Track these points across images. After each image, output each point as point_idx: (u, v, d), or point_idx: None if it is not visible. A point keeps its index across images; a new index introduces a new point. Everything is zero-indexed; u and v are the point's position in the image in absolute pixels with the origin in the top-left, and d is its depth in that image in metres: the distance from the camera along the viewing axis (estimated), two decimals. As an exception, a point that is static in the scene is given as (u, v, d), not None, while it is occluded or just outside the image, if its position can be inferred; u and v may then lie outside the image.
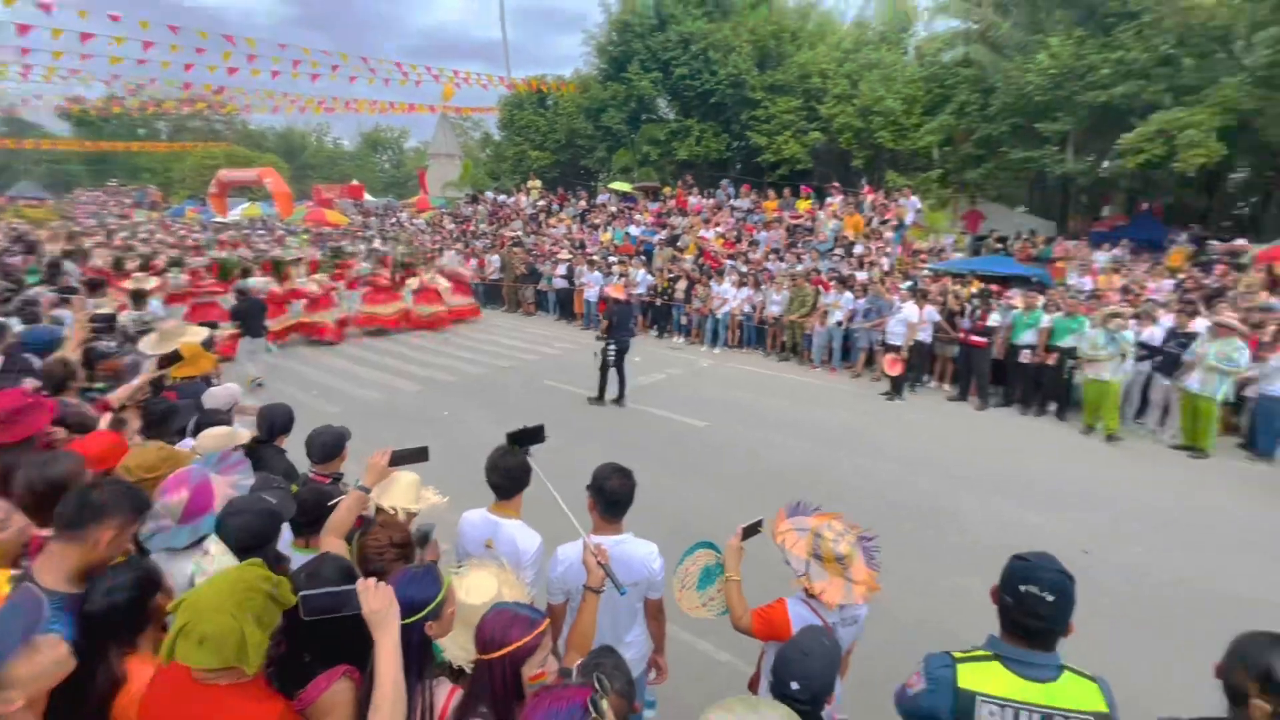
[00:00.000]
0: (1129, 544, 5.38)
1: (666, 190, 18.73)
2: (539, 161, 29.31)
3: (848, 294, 10.71)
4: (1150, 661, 3.79)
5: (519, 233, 19.08)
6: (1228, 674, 1.62)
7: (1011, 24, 19.02)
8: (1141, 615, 4.38)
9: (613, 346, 8.48)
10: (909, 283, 11.07)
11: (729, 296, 12.22)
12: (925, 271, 12.09)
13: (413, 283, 13.67)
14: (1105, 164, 16.97)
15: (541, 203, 22.37)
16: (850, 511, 5.58)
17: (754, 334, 12.37)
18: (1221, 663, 1.64)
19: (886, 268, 12.39)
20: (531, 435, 2.50)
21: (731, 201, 17.36)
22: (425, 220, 26.13)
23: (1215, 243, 15.00)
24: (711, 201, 17.33)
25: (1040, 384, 8.93)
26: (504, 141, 33.71)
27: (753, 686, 2.46)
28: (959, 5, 21.33)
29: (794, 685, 1.72)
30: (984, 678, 1.69)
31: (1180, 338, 7.94)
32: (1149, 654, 3.91)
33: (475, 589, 1.90)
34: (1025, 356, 8.75)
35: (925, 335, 9.59)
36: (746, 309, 12.22)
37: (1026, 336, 8.76)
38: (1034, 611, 1.67)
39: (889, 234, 13.56)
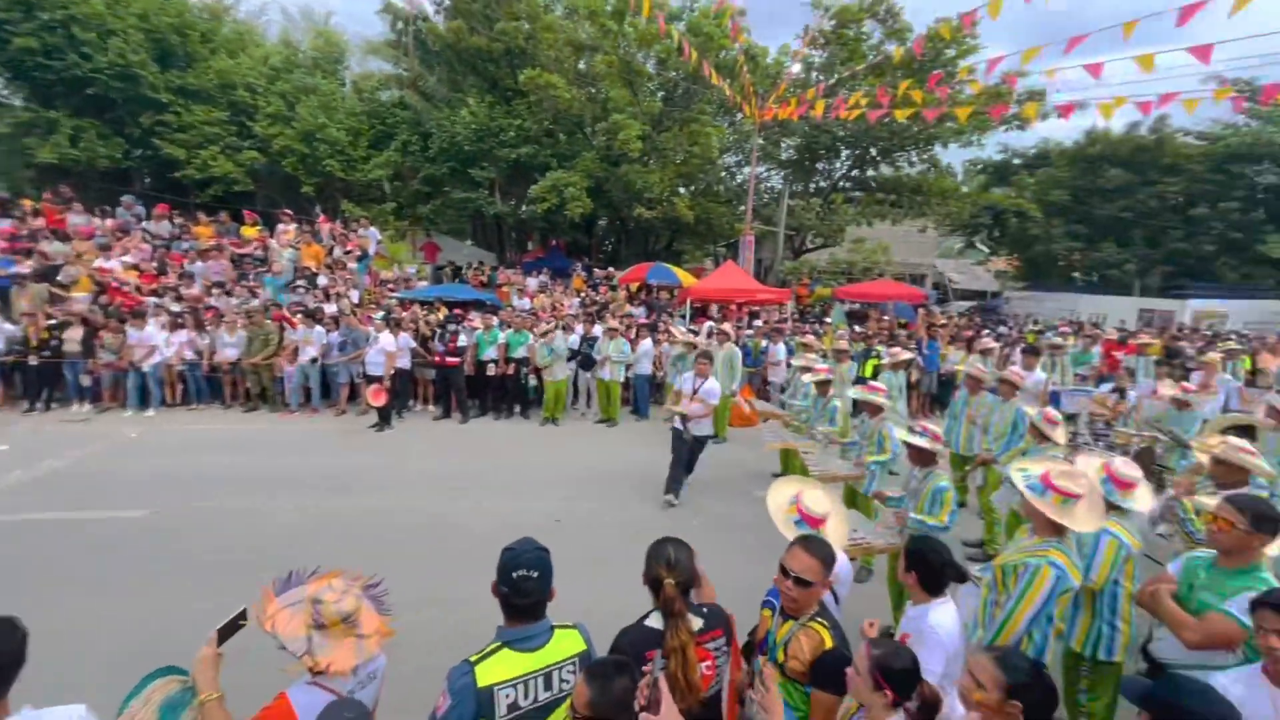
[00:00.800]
0: (588, 500, 6.88)
1: (28, 204, 13.25)
2: None
3: (318, 328, 10.01)
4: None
5: None
6: (647, 573, 2.19)
7: (436, 79, 21.50)
8: (601, 549, 5.67)
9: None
10: (382, 313, 11.17)
11: (158, 343, 9.65)
12: (394, 300, 12.43)
13: None
14: (524, 208, 21.21)
15: None
16: (359, 552, 5.34)
17: (205, 385, 10.18)
18: (645, 570, 2.21)
19: (356, 299, 12.16)
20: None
21: (144, 224, 13.69)
22: None
23: (597, 270, 20.72)
24: (113, 223, 13.22)
25: (506, 390, 10.47)
26: None
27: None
28: (388, 51, 22.71)
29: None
30: (498, 668, 1.85)
31: (589, 341, 10.64)
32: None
33: None
34: (492, 370, 10.08)
35: (404, 362, 9.87)
36: (189, 355, 9.93)
37: (490, 352, 10.10)
38: (525, 590, 1.92)
39: (353, 265, 13.32)
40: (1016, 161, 27.92)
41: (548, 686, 1.93)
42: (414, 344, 10.05)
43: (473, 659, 1.87)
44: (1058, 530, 2.84)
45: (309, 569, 2.16)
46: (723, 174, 24.63)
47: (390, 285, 14.47)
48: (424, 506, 6.61)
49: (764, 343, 11.53)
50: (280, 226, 13.43)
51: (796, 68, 18.87)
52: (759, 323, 14.23)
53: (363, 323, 10.23)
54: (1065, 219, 25.42)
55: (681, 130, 20.12)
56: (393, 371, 9.42)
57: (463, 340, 10.03)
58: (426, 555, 5.50)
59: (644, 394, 10.80)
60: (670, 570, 2.11)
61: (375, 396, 9.14)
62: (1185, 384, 7.88)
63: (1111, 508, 3.10)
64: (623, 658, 1.87)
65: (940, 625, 2.41)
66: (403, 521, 6.18)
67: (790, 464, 7.83)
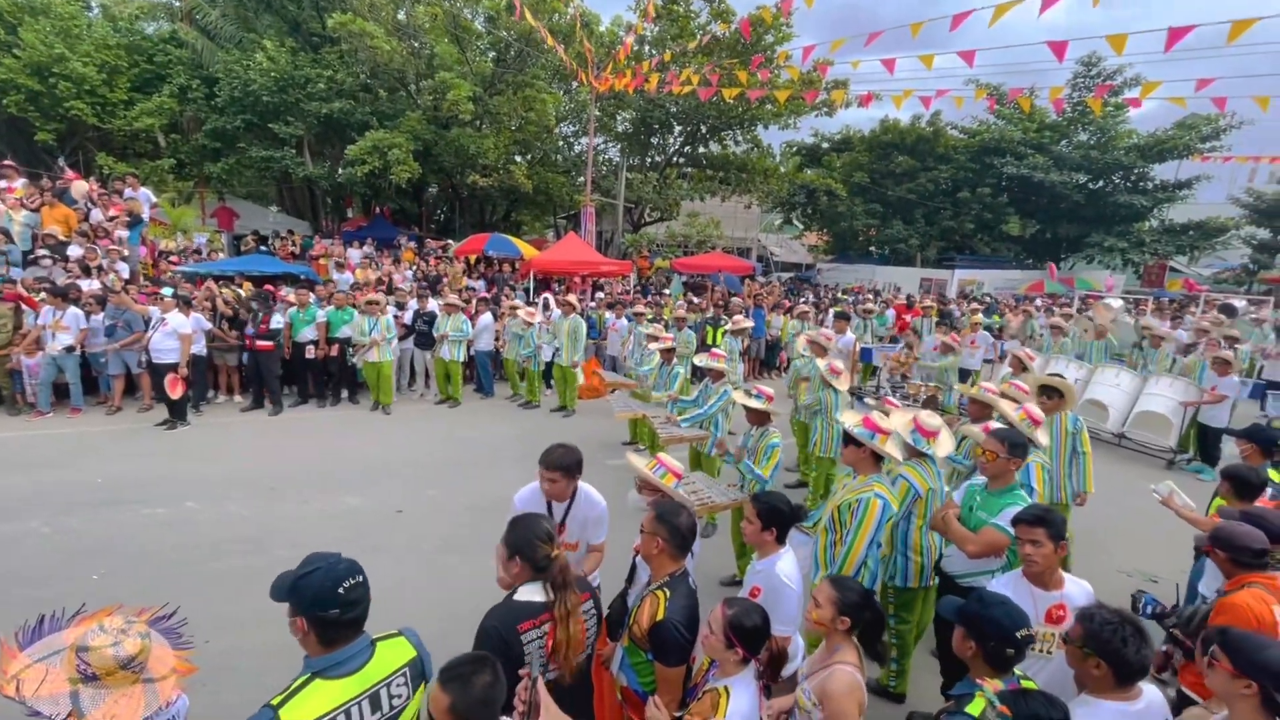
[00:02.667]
0: (431, 486, 6.47)
1: None
2: None
3: (73, 310, 8.14)
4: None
5: None
6: (526, 552, 2.11)
7: (220, 14, 18.28)
8: (452, 539, 5.39)
9: None
10: (169, 289, 9.42)
11: None
12: (179, 274, 10.54)
13: None
14: (341, 170, 18.98)
15: None
16: (152, 575, 4.51)
17: (-97, 386, 7.88)
18: (519, 551, 2.14)
19: (128, 274, 10.12)
20: None
21: None
22: None
23: (430, 241, 19.39)
24: None
25: (330, 374, 9.43)
26: None
27: None
28: (151, -27, 18.87)
29: None
30: (309, 704, 1.59)
31: (424, 316, 9.92)
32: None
33: None
34: (310, 352, 9.01)
35: (200, 347, 8.45)
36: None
37: (307, 333, 9.00)
38: (355, 599, 1.68)
39: (121, 232, 11.01)
40: (825, 145, 30.84)
41: (375, 708, 1.70)
42: (209, 325, 8.64)
43: (274, 702, 1.58)
44: (878, 466, 3.25)
45: (69, 610, 1.73)
46: (560, 143, 24.15)
47: (174, 258, 12.27)
48: (236, 512, 5.76)
49: (608, 314, 11.65)
50: (2, 183, 10.55)
51: (630, 39, 18.90)
52: (601, 295, 14.33)
53: (139, 302, 8.54)
54: (865, 199, 28.72)
55: (516, 94, 19.29)
56: (188, 358, 7.99)
57: (277, 321, 8.79)
58: (243, 569, 4.82)
59: (486, 371, 10.38)
60: (550, 542, 2.13)
61: (172, 387, 7.71)
62: (954, 335, 9.40)
63: (918, 454, 3.58)
64: (481, 653, 1.76)
65: (789, 574, 2.61)
66: (209, 534, 5.33)
67: (639, 431, 8.06)
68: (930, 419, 3.64)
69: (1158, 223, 26.81)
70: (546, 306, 11.61)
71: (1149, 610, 3.09)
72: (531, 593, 2.12)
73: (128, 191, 11.98)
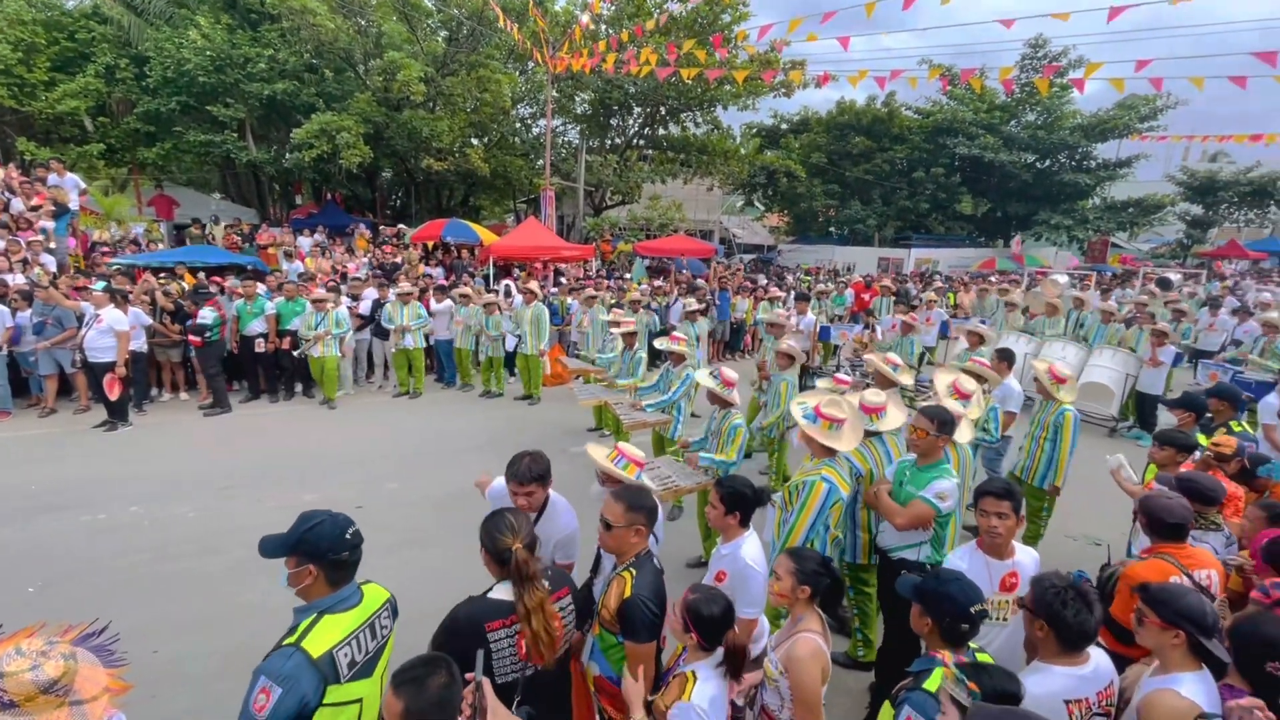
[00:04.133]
0: (392, 480, 6.32)
1: None
2: None
3: (1, 307, 7.66)
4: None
5: None
6: (491, 547, 2.09)
7: (147, -13, 17.16)
8: (423, 530, 5.28)
9: None
10: (102, 283, 8.91)
11: None
12: (114, 267, 9.98)
13: None
14: (288, 155, 18.17)
15: None
16: (105, 588, 4.31)
17: None
18: (485, 546, 2.13)
19: (55, 268, 9.55)
20: None
21: None
22: None
23: (385, 228, 18.81)
24: None
25: (282, 369, 9.09)
26: None
27: None
28: (68, -58, 17.60)
29: None
30: (326, 635, 1.82)
31: (383, 306, 9.62)
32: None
33: None
34: (260, 346, 8.66)
35: (140, 343, 8.04)
36: None
37: (255, 326, 8.65)
38: (358, 542, 1.97)
39: (47, 223, 10.35)
40: (784, 127, 30.97)
41: (373, 636, 1.96)
42: (149, 320, 8.22)
43: (291, 640, 1.78)
44: (830, 451, 3.27)
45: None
46: (518, 125, 23.61)
47: (107, 249, 11.61)
48: (184, 514, 5.54)
49: (570, 300, 11.53)
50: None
51: (586, 18, 18.50)
52: (563, 280, 14.16)
53: (70, 297, 8.05)
54: (824, 179, 29.00)
55: (469, 75, 18.72)
56: (127, 356, 7.56)
57: (206, 315, 8.21)
58: (193, 572, 4.64)
59: (450, 359, 10.17)
60: (516, 536, 2.08)
61: (110, 388, 7.31)
62: (913, 314, 9.61)
63: (870, 434, 3.65)
64: (435, 654, 1.72)
65: (754, 558, 2.63)
66: (155, 538, 5.12)
67: (604, 418, 8.02)
68: (874, 396, 3.71)
69: (1100, 200, 27.85)
70: (509, 293, 11.42)
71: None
72: (504, 591, 2.08)
73: (52, 178, 11.24)
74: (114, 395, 7.39)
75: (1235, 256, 26.42)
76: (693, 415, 6.12)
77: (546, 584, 2.12)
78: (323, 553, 1.89)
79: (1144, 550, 2.87)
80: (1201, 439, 4.21)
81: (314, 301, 8.59)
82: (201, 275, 10.45)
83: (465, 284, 11.34)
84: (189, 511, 5.58)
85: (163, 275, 9.76)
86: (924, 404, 3.78)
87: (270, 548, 1.91)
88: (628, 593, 2.20)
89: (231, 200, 21.73)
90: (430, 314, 9.58)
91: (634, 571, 2.28)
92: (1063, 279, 16.13)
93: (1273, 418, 5.33)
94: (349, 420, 8.47)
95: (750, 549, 2.65)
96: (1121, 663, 2.32)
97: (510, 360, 10.06)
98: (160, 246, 13.57)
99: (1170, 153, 31.69)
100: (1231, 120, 19.91)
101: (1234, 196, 28.50)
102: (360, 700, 1.87)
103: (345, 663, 1.83)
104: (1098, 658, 2.04)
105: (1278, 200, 28.46)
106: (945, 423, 3.28)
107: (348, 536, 1.93)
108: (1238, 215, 30.58)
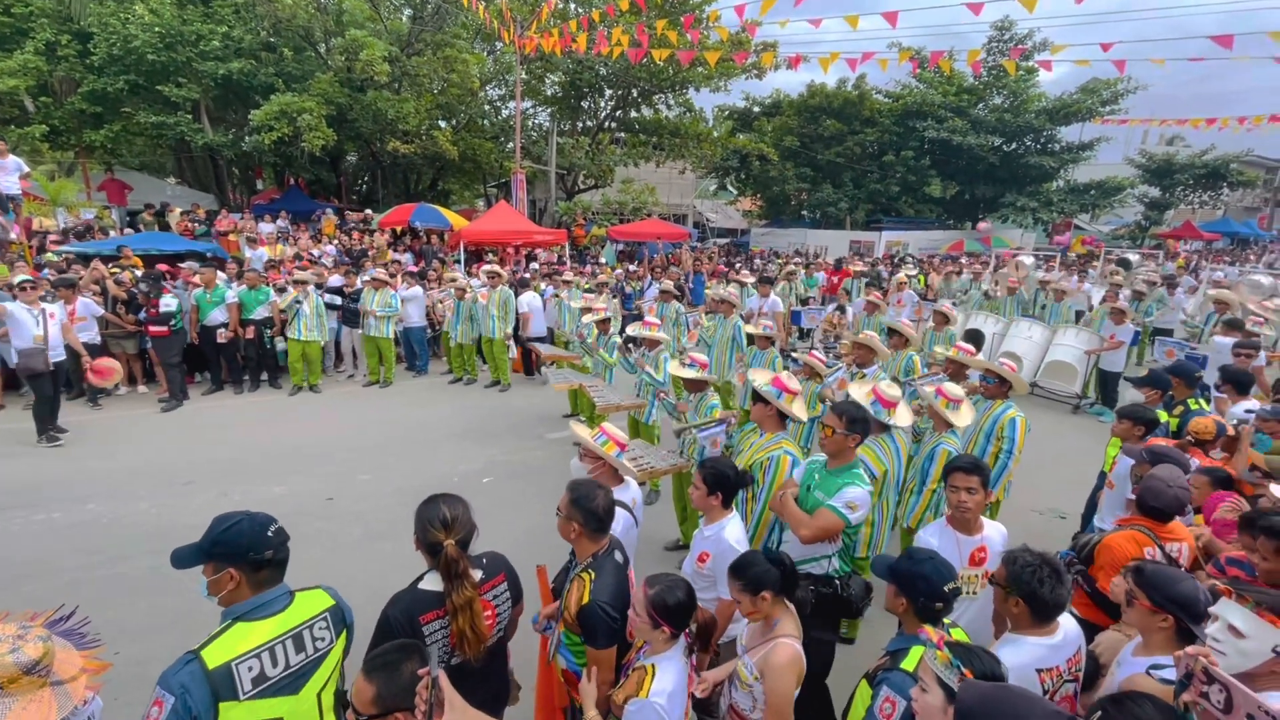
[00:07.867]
0: (363, 471, 6.20)
1: None
2: None
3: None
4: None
5: None
6: (421, 538, 2.04)
7: (88, -41, 16.23)
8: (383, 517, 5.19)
9: None
10: (45, 271, 8.52)
11: None
12: (56, 256, 9.52)
13: None
14: (247, 138, 17.50)
15: None
16: (61, 589, 4.15)
17: None
18: (417, 535, 2.06)
19: (-2, 255, 9.08)
20: None
21: None
22: None
23: (351, 213, 18.32)
24: None
25: (246, 359, 8.82)
26: None
27: None
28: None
29: None
30: (231, 644, 1.66)
31: (351, 294, 9.38)
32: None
33: None
34: (222, 336, 8.38)
35: (92, 334, 7.71)
36: None
37: (216, 315, 8.35)
38: (282, 540, 1.81)
39: (-13, 208, 9.83)
40: (756, 110, 30.88)
41: (300, 648, 1.77)
42: (100, 310, 7.88)
43: (194, 649, 1.63)
44: (782, 425, 3.35)
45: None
46: (487, 107, 23.10)
47: (54, 237, 11.09)
48: (145, 510, 5.35)
49: (543, 285, 11.38)
50: None
51: (554, -4, 18.10)
52: (535, 265, 13.98)
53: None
54: (796, 163, 29.05)
55: (435, 55, 18.21)
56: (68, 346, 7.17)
57: (168, 303, 7.89)
58: (155, 571, 4.48)
59: (423, 347, 9.99)
60: (449, 530, 1.99)
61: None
62: (877, 293, 9.70)
63: (882, 427, 3.64)
64: (408, 641, 1.69)
65: (737, 539, 2.64)
66: (114, 536, 4.94)
67: (579, 402, 7.97)
68: (890, 389, 3.66)
69: (1063, 183, 28.47)
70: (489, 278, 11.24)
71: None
72: (434, 581, 2.02)
73: (-8, 162, 10.64)
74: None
75: (1190, 237, 27.32)
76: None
77: (480, 574, 2.07)
78: (243, 553, 1.71)
79: (1120, 519, 2.93)
80: (1162, 415, 4.33)
81: (295, 283, 8.38)
82: (156, 267, 10.06)
83: (449, 268, 11.09)
84: (150, 508, 5.40)
85: (113, 265, 9.35)
86: (834, 401, 3.71)
87: (183, 556, 1.74)
88: (585, 598, 2.15)
89: (188, 185, 20.89)
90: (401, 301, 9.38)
91: (592, 574, 2.20)
92: (1029, 260, 16.47)
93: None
94: (318, 411, 8.27)
95: (733, 530, 2.65)
96: (1090, 629, 2.38)
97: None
98: (113, 234, 13.01)
99: (1130, 136, 32.48)
100: (1188, 104, 20.47)
101: (1189, 179, 29.39)
102: None
103: (249, 677, 1.64)
104: (1066, 625, 2.09)
105: (1230, 182, 29.44)
106: (855, 420, 2.95)
107: (270, 534, 1.76)
108: (1193, 197, 31.55)
